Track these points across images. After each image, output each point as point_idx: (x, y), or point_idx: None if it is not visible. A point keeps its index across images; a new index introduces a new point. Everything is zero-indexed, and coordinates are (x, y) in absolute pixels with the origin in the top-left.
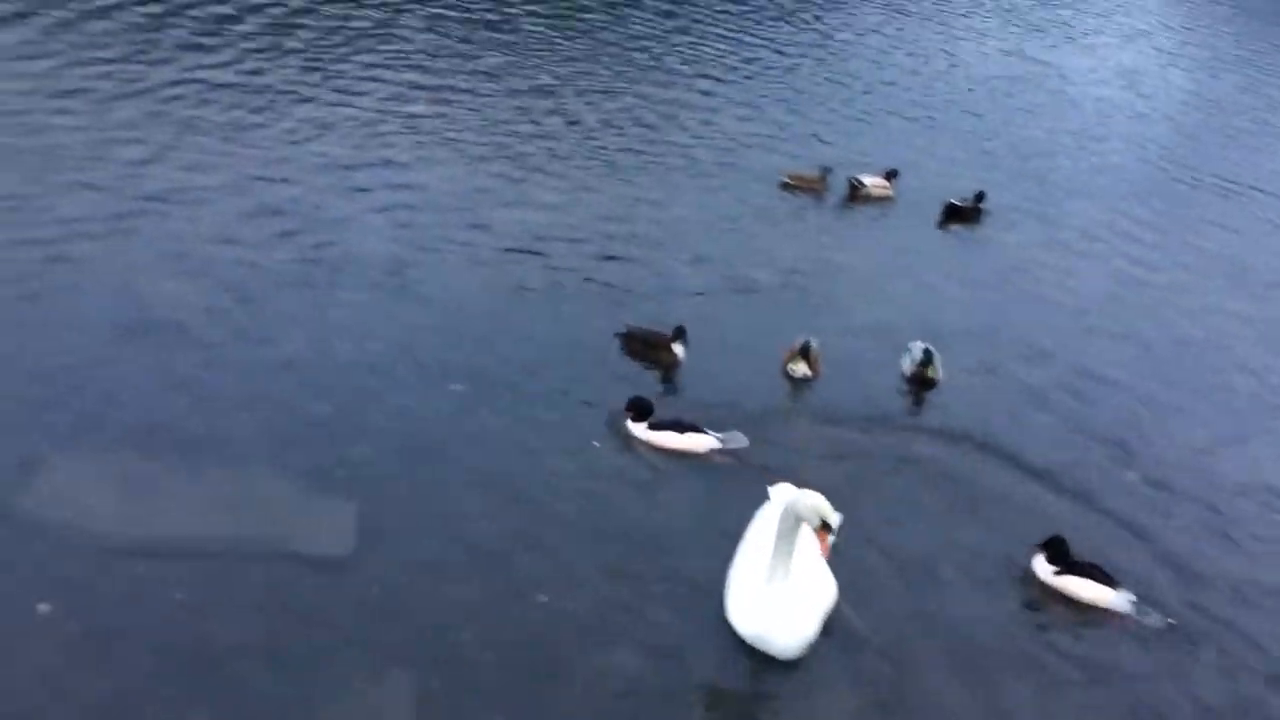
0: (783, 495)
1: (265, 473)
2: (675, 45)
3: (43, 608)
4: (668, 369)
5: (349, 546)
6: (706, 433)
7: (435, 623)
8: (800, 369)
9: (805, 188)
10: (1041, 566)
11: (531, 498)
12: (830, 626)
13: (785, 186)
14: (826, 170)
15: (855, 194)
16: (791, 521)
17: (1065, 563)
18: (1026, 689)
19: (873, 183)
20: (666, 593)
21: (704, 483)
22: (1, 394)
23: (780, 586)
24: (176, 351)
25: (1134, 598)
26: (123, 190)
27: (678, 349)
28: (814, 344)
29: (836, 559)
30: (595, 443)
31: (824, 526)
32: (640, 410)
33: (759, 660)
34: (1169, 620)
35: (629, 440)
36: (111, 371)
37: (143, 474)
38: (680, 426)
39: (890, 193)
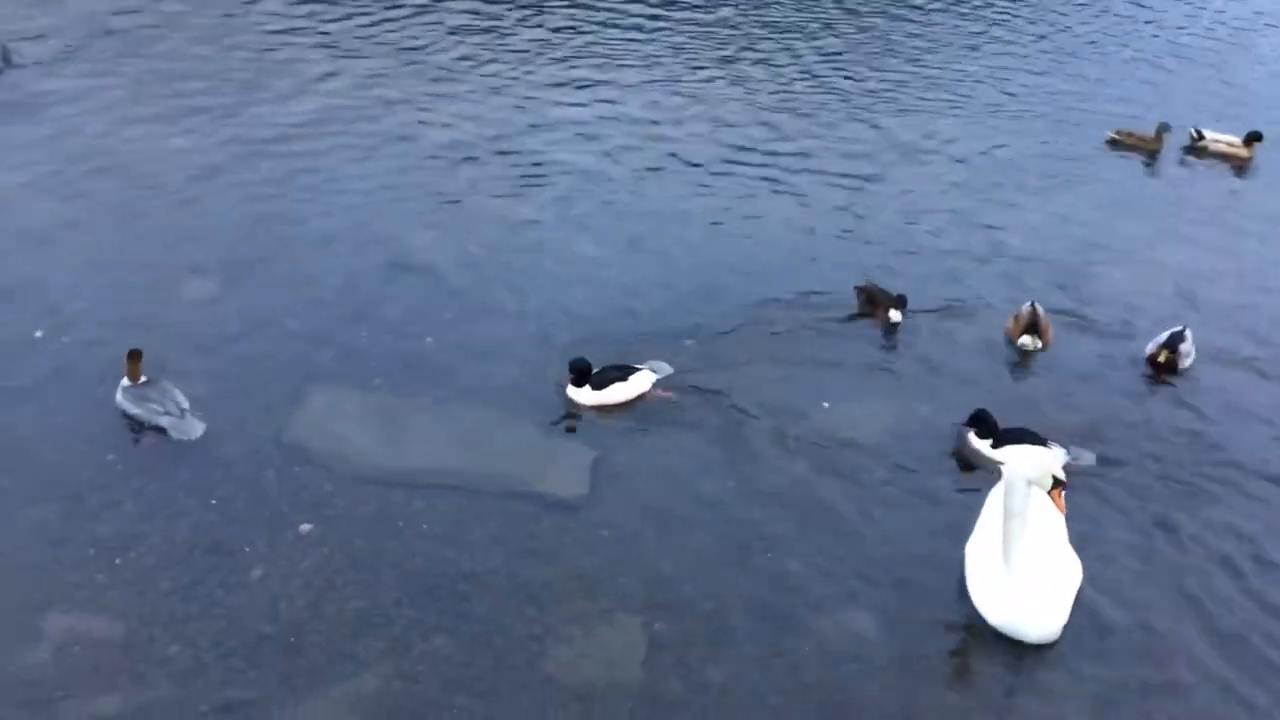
0: (1013, 465)
1: (509, 414)
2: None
3: (305, 527)
4: (888, 328)
5: (584, 490)
6: (640, 369)
7: (662, 571)
8: (1029, 341)
9: (1137, 145)
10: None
11: (761, 455)
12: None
13: (1113, 143)
14: (1165, 127)
15: (1194, 146)
16: (1022, 492)
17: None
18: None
19: (1216, 138)
20: (896, 558)
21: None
22: (275, 334)
23: (1024, 569)
24: (431, 296)
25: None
26: (384, 150)
27: (894, 314)
28: (1041, 311)
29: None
30: (825, 404)
31: (1056, 484)
32: (580, 373)
33: (1002, 641)
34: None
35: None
36: (370, 314)
37: (397, 409)
38: (617, 373)
39: (1245, 154)
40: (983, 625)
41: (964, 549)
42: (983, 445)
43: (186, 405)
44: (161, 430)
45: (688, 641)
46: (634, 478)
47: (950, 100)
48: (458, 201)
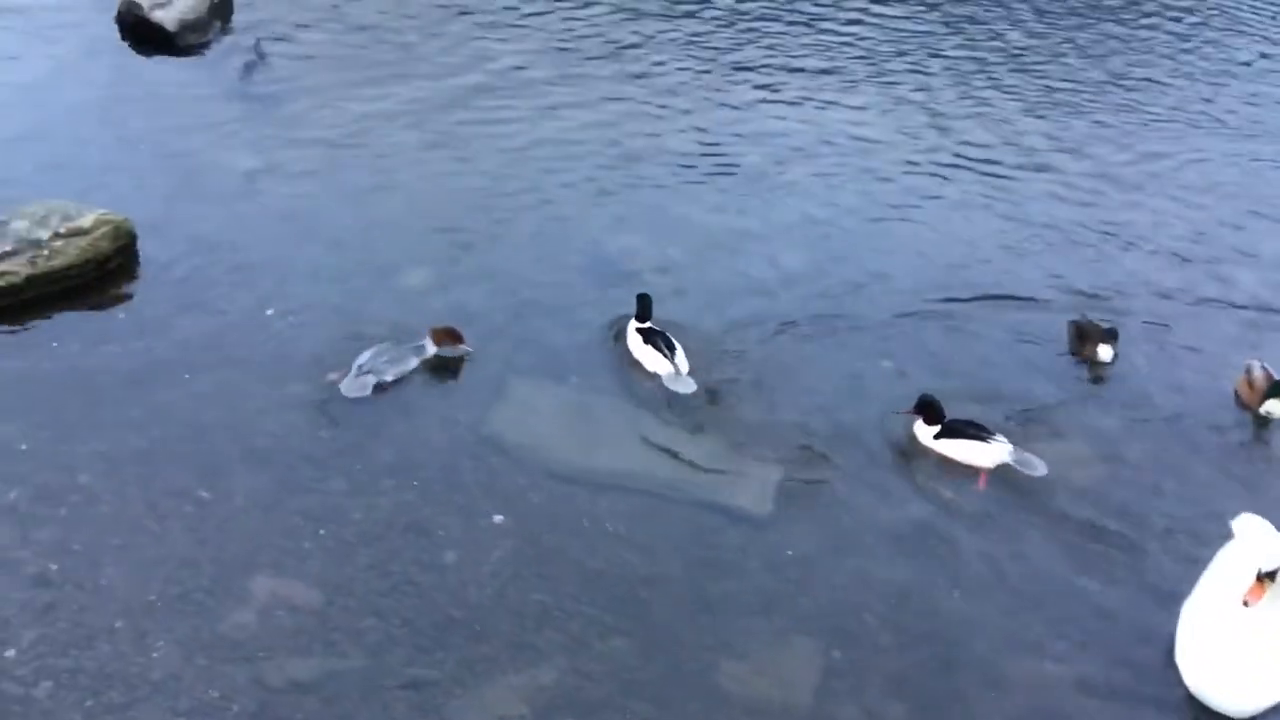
0: (1247, 529)
1: (700, 423)
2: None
3: (497, 518)
4: (1093, 365)
5: (770, 508)
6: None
7: (843, 597)
8: (1277, 409)
9: None
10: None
11: (957, 491)
12: None
13: None
14: None
15: None
16: (1245, 560)
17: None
18: None
19: None
20: (1091, 612)
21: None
22: (481, 329)
23: (1238, 637)
24: (627, 299)
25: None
26: (588, 156)
27: (1103, 350)
28: (1273, 372)
29: None
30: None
31: (1266, 575)
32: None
33: (1206, 713)
34: None
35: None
36: (570, 313)
37: (591, 408)
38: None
39: None
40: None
41: (1179, 609)
42: (927, 434)
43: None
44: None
45: (865, 673)
46: (821, 500)
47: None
48: (662, 207)
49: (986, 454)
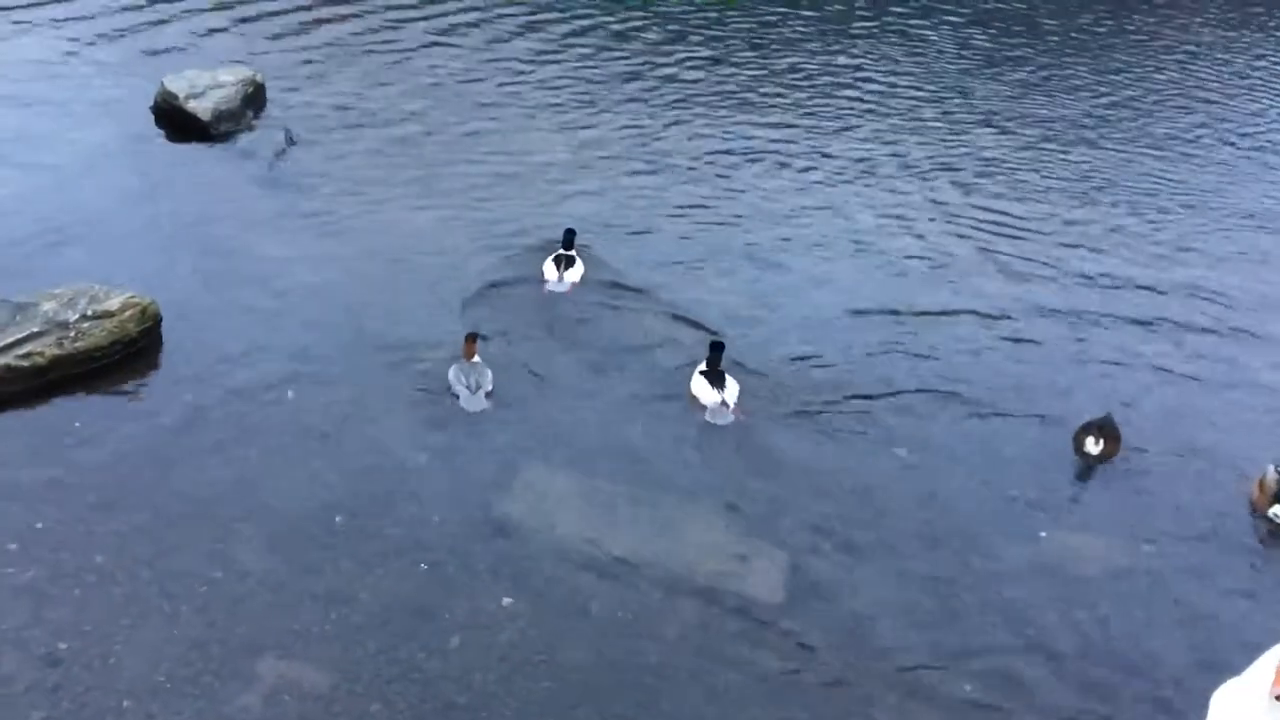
0: None
1: (710, 511)
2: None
3: (507, 601)
4: (1085, 458)
5: (780, 597)
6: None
7: (856, 689)
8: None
9: None
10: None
11: (963, 569)
12: None
13: None
14: None
15: None
16: None
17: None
18: None
19: None
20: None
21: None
22: (502, 416)
23: None
24: (625, 386)
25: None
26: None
27: (1089, 443)
28: None
29: None
30: (1043, 533)
31: None
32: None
33: None
34: None
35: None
36: (592, 397)
37: (602, 495)
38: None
39: None
40: None
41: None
42: (702, 382)
43: (489, 389)
44: (456, 397)
45: None
46: (832, 589)
47: None
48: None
49: (706, 395)
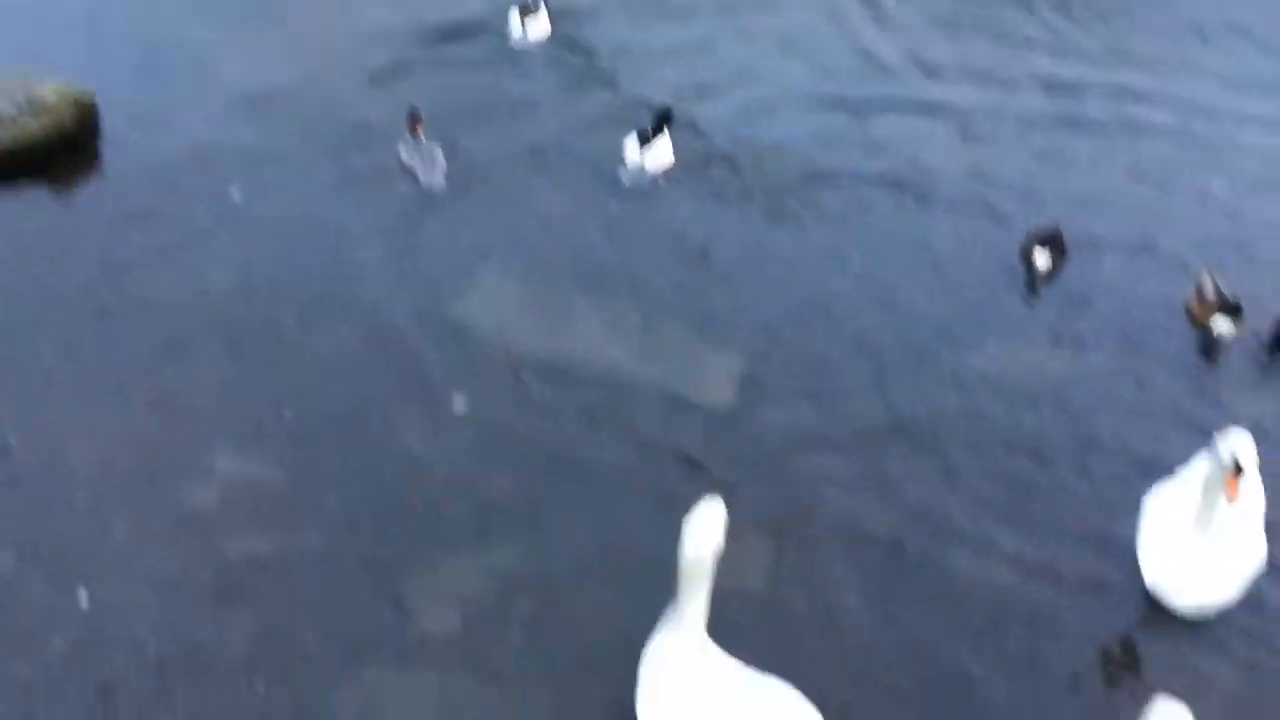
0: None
1: (666, 313)
2: None
3: (459, 403)
4: (1034, 272)
5: (732, 401)
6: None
7: (800, 492)
8: (1224, 326)
9: None
10: None
11: (912, 381)
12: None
13: None
14: None
15: None
16: (1217, 466)
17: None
18: None
19: None
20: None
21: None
22: (448, 216)
23: (1201, 540)
24: (608, 201)
25: None
26: None
27: (1038, 257)
28: (1231, 297)
29: None
30: (990, 347)
31: (1236, 468)
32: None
33: (1158, 609)
34: None
35: None
36: (542, 210)
37: (561, 300)
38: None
39: None
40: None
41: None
42: (632, 141)
43: (444, 166)
44: (413, 179)
45: (817, 566)
46: (781, 393)
47: None
48: None
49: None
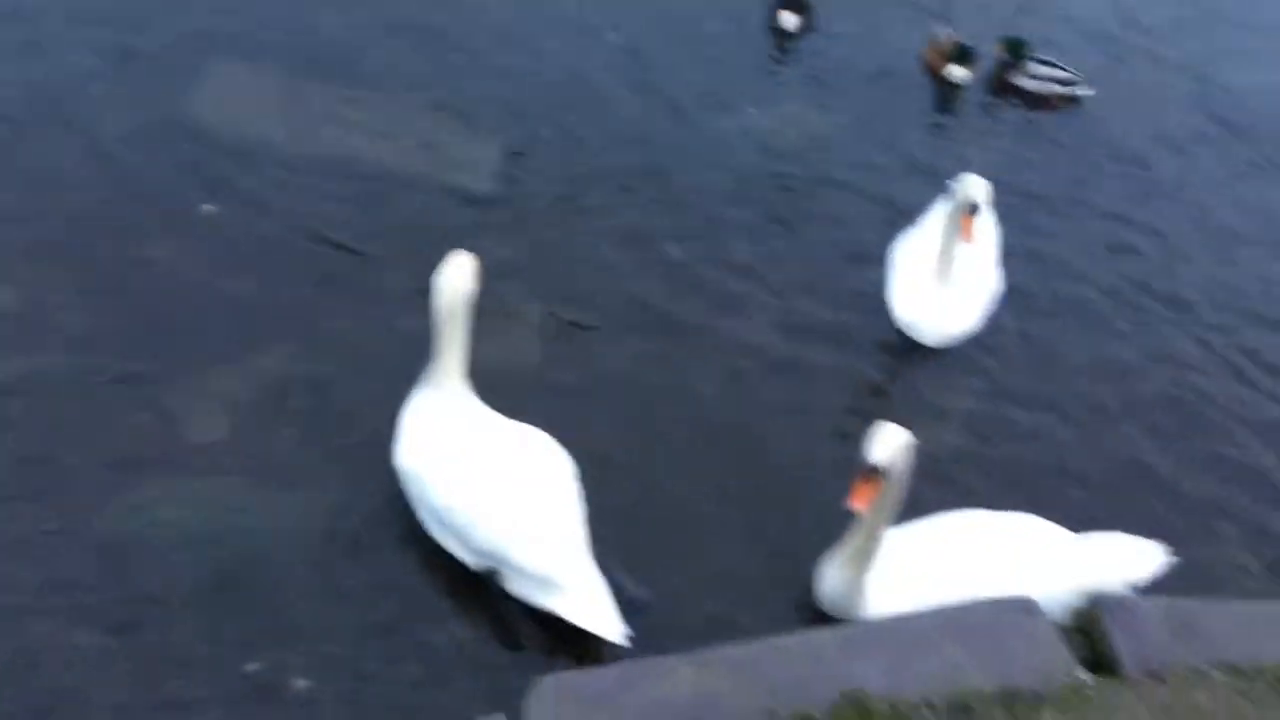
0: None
1: (418, 103)
2: None
3: (206, 208)
4: (780, 34)
5: (500, 185)
6: None
7: (570, 268)
8: (958, 74)
9: None
10: None
11: (673, 146)
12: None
13: None
14: None
15: None
16: (954, 208)
17: None
18: None
19: None
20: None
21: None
22: (169, 18)
23: (942, 279)
24: None
25: None
26: None
27: (784, 19)
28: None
29: None
30: (752, 109)
31: (970, 208)
32: None
33: (909, 343)
34: None
35: None
36: None
37: (303, 92)
38: None
39: None
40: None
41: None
42: None
43: None
44: None
45: (590, 338)
46: (547, 177)
47: None
48: None
49: None
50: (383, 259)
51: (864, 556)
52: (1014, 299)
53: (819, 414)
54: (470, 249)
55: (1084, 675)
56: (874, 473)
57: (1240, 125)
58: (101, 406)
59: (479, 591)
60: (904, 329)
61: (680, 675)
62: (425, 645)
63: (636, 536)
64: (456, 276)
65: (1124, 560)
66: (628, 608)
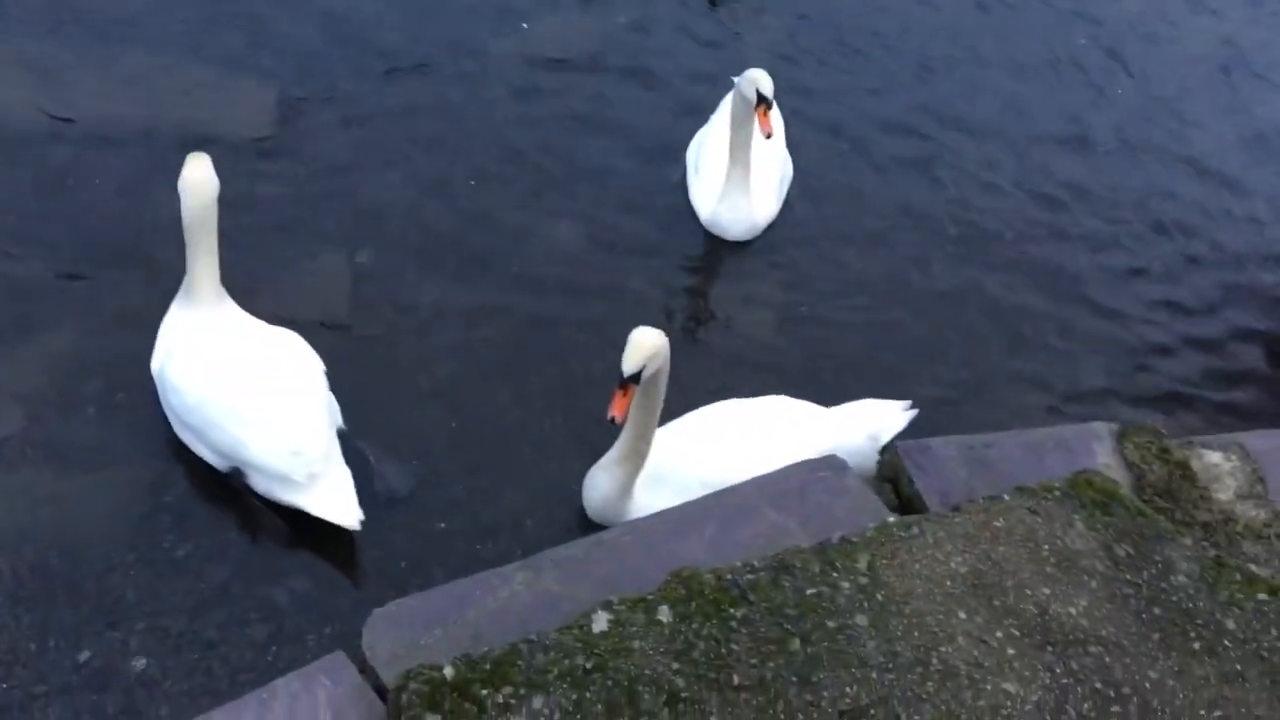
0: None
1: (181, 58)
2: None
3: None
4: None
5: (274, 131)
6: None
7: (368, 203)
8: None
9: None
10: None
11: (458, 75)
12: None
13: None
14: None
15: None
16: (742, 103)
17: None
18: None
19: None
20: (606, 171)
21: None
22: None
23: (739, 172)
24: None
25: None
26: None
27: None
28: None
29: None
30: (525, 24)
31: (761, 101)
32: None
33: (713, 240)
34: None
35: None
36: None
37: (54, 59)
38: None
39: None
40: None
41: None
42: None
43: None
44: None
45: (395, 273)
46: (321, 116)
47: None
48: None
49: None
50: (163, 226)
51: (632, 459)
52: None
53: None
54: (254, 196)
55: (892, 518)
56: (630, 381)
57: None
58: None
59: (314, 543)
60: (709, 227)
61: (513, 582)
62: (266, 603)
63: (418, 441)
64: (199, 175)
65: (869, 421)
66: (389, 498)
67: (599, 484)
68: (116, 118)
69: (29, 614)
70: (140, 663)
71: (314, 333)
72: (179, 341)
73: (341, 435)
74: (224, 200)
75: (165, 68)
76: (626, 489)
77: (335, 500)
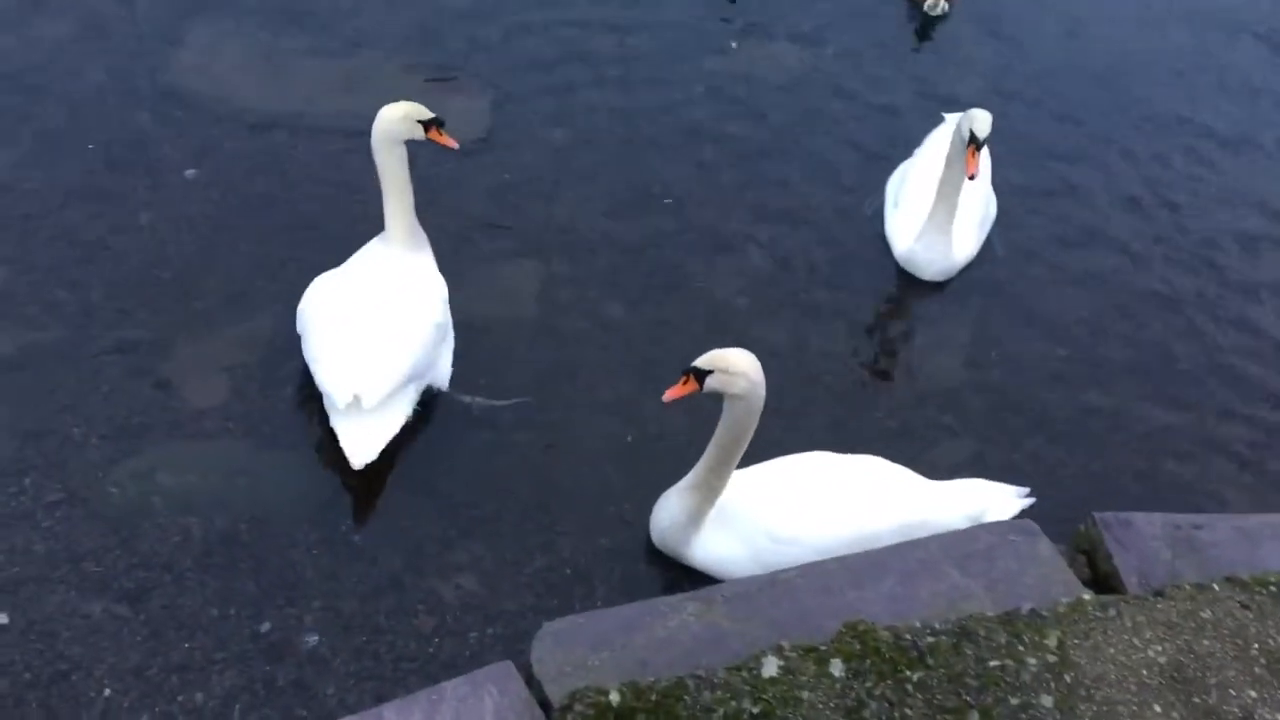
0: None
1: (403, 58)
2: None
3: (190, 172)
4: None
5: (483, 134)
6: None
7: (563, 214)
8: (937, 1)
9: None
10: None
11: (665, 99)
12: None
13: None
14: None
15: None
16: (960, 141)
17: None
18: None
19: None
20: (803, 207)
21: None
22: None
23: (943, 211)
24: None
25: None
26: None
27: None
28: None
29: None
30: (733, 43)
31: (972, 140)
32: None
33: (905, 276)
34: None
35: None
36: None
37: (280, 53)
38: None
39: None
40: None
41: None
42: None
43: None
44: None
45: (583, 282)
46: (534, 126)
47: None
48: None
49: None
50: (370, 215)
51: (702, 490)
52: (1001, 221)
53: (807, 350)
54: (453, 199)
55: (1087, 595)
56: (692, 373)
57: None
58: (98, 377)
59: (484, 544)
60: (903, 264)
61: (683, 613)
62: (434, 596)
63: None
64: (383, 113)
65: (973, 502)
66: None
67: (669, 506)
68: (335, 112)
69: (215, 580)
70: (313, 639)
71: (500, 329)
72: (331, 278)
73: (440, 394)
74: (433, 196)
75: (385, 67)
76: (695, 520)
77: (359, 438)
